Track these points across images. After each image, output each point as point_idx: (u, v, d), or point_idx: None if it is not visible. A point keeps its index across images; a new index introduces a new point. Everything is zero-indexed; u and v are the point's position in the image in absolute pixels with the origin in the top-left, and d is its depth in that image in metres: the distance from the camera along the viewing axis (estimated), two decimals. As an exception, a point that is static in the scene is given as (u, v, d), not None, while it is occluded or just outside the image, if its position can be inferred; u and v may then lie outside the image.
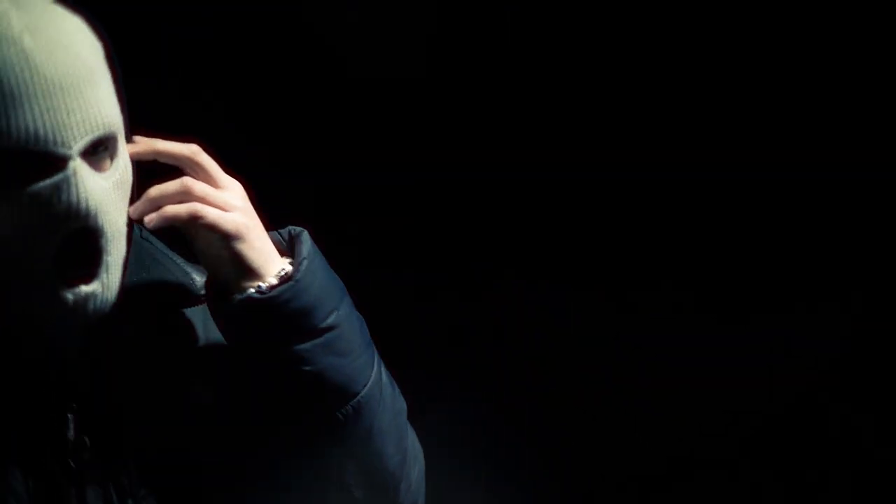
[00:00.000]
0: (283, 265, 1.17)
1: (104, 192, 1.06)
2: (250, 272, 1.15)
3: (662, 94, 2.41)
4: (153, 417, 1.15)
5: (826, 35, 2.36)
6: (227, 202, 1.14)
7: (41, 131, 1.01)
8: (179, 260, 1.23)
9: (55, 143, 1.01)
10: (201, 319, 1.22)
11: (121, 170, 1.09)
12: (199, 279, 1.21)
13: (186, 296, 1.20)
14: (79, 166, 1.03)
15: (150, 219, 1.11)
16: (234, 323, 1.16)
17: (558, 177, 2.40)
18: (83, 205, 1.03)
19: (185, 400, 1.17)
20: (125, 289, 1.11)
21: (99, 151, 1.06)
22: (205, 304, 1.19)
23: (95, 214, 1.04)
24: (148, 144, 1.14)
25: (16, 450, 1.08)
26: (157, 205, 1.11)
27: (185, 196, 1.11)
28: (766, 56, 2.40)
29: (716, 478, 2.42)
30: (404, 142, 2.40)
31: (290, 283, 1.15)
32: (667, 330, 2.38)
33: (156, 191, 1.11)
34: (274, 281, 1.15)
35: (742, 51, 2.40)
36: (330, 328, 1.19)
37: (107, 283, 1.08)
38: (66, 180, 1.02)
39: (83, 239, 1.05)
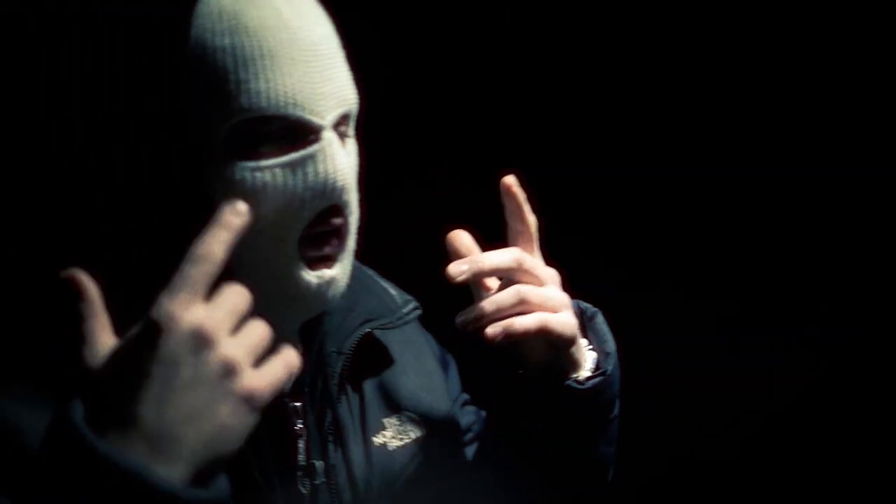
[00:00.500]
0: (592, 355, 1.18)
1: (350, 170, 1.01)
2: (572, 365, 1.15)
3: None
4: (368, 441, 1.13)
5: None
6: (559, 303, 1.12)
7: (299, 97, 0.96)
8: (372, 272, 1.20)
9: (312, 111, 0.97)
10: (398, 341, 1.20)
11: (354, 153, 1.04)
12: (396, 295, 1.19)
13: (391, 314, 1.17)
14: (332, 138, 0.98)
15: (495, 334, 1.07)
16: (542, 407, 1.14)
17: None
18: (338, 179, 0.97)
19: (399, 424, 1.16)
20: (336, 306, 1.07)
21: (342, 128, 1.02)
22: (405, 326, 1.18)
23: (344, 191, 0.99)
24: (473, 265, 1.07)
25: (250, 474, 1.03)
26: (495, 318, 1.07)
27: (525, 306, 1.08)
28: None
29: (716, 478, 2.42)
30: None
31: (603, 377, 1.15)
32: (666, 329, 2.38)
33: (491, 304, 1.07)
34: (587, 373, 1.16)
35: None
36: (616, 417, 1.21)
37: (346, 271, 1.04)
38: (322, 150, 0.97)
39: (332, 218, 1.00)
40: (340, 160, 0.98)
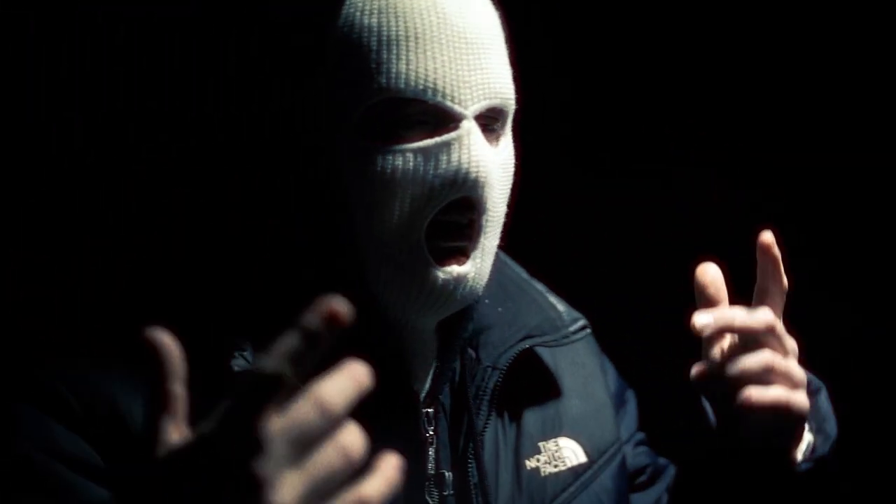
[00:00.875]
0: (809, 436, 1.13)
1: (494, 165, 0.96)
2: (790, 443, 1.10)
3: None
4: (520, 463, 1.08)
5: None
6: (799, 379, 1.07)
7: (440, 82, 0.92)
8: (541, 287, 1.14)
9: (453, 98, 0.93)
10: (568, 363, 1.14)
11: (507, 152, 1.00)
12: (564, 312, 1.12)
13: (555, 332, 1.10)
14: (473, 128, 0.94)
15: (748, 398, 1.02)
16: (748, 478, 1.10)
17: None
18: (472, 171, 0.93)
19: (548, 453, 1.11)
20: (490, 315, 1.04)
21: (491, 123, 0.98)
22: (576, 348, 1.11)
23: (483, 185, 0.94)
24: (722, 322, 1.04)
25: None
26: (734, 380, 1.02)
27: (768, 376, 1.04)
28: None
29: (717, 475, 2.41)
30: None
31: (820, 462, 1.11)
32: (666, 330, 2.38)
33: (735, 368, 1.04)
34: (803, 453, 1.11)
35: None
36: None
37: (479, 270, 0.98)
38: (459, 140, 0.93)
39: (464, 211, 0.95)
40: (478, 152, 0.94)
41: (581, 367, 1.18)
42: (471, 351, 1.07)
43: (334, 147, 0.94)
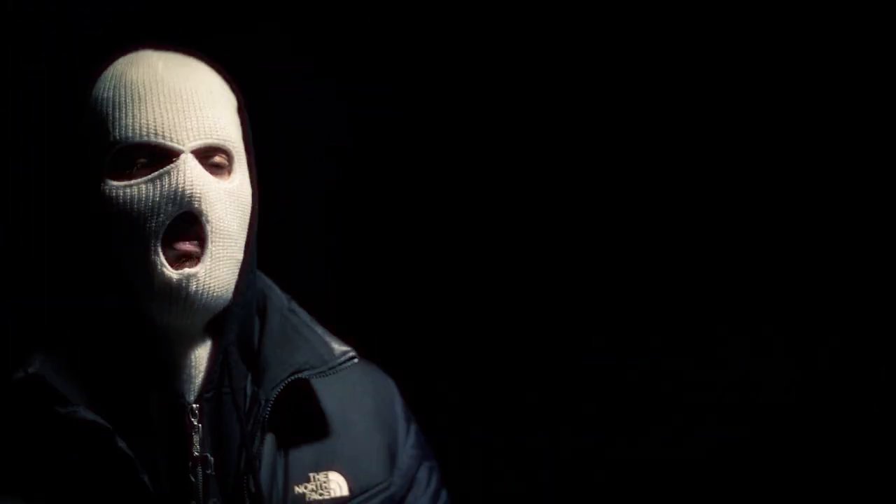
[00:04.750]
0: None
1: (213, 188, 1.20)
2: None
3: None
4: (289, 487, 1.26)
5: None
6: None
7: (160, 128, 1.19)
8: (320, 330, 1.33)
9: (171, 139, 1.20)
10: (323, 390, 1.31)
11: (236, 183, 1.24)
12: (337, 348, 1.31)
13: (322, 364, 1.29)
14: (188, 159, 1.20)
15: None
16: None
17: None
18: (188, 189, 1.18)
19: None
20: (263, 353, 1.26)
21: (214, 159, 1.23)
22: (337, 373, 1.29)
23: (199, 201, 1.19)
24: None
25: (145, 462, 1.17)
26: None
27: None
28: None
29: (716, 475, 2.42)
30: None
31: None
32: (665, 330, 2.38)
33: None
34: None
35: None
36: None
37: (210, 271, 1.20)
38: (176, 168, 1.19)
39: (188, 223, 1.19)
40: (192, 175, 1.18)
41: (360, 403, 1.36)
42: (253, 386, 1.27)
43: (88, 188, 1.22)
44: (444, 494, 1.45)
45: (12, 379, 1.18)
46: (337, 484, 1.30)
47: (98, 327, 1.23)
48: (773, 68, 2.40)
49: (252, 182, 1.29)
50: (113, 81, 1.25)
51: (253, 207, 1.28)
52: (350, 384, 1.36)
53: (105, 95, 1.24)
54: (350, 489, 1.31)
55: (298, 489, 1.27)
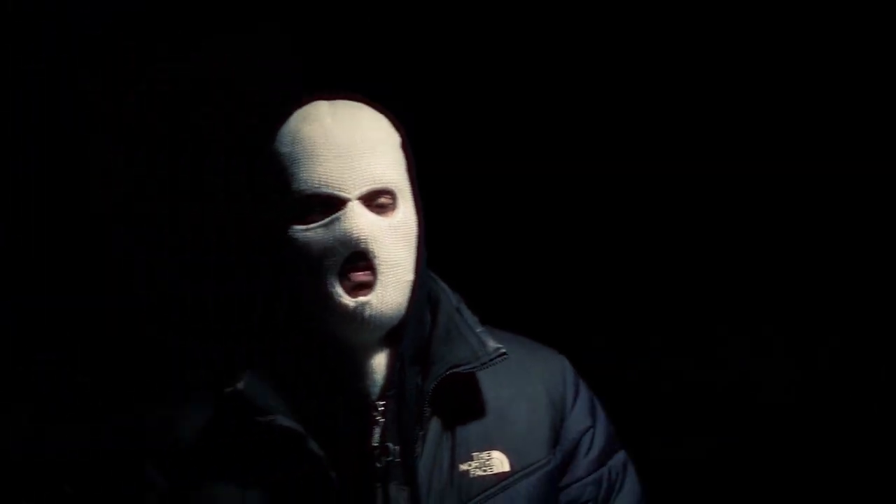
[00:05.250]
0: None
1: (378, 227, 1.39)
2: None
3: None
4: (455, 465, 1.42)
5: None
6: None
7: (329, 179, 1.38)
8: (479, 329, 1.48)
9: (339, 188, 1.38)
10: (488, 379, 1.46)
11: (400, 216, 1.42)
12: (490, 346, 1.45)
13: (476, 360, 1.43)
14: (355, 205, 1.38)
15: None
16: None
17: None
18: (355, 232, 1.37)
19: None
20: (431, 351, 1.43)
21: (379, 200, 1.40)
22: (490, 368, 1.43)
23: (366, 241, 1.38)
24: None
25: (333, 458, 1.36)
26: None
27: None
28: None
29: (716, 475, 2.42)
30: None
31: None
32: (665, 330, 2.38)
33: None
34: None
35: None
36: None
37: (381, 298, 1.39)
38: (345, 214, 1.37)
39: (360, 258, 1.38)
40: (358, 221, 1.38)
41: (526, 394, 1.48)
42: (419, 379, 1.43)
43: (274, 231, 1.43)
44: (619, 456, 1.58)
45: (223, 393, 1.39)
46: (499, 461, 1.43)
47: (293, 346, 1.43)
48: (774, 68, 2.40)
49: (417, 208, 1.46)
50: (290, 137, 1.42)
51: (419, 231, 1.45)
52: (516, 369, 1.48)
53: (283, 151, 1.42)
54: (511, 465, 1.43)
55: (463, 466, 1.41)
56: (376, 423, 1.39)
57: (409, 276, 1.42)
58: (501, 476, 1.42)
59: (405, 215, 1.43)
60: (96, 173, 2.29)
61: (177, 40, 2.31)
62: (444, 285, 1.52)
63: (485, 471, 1.41)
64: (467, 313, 1.50)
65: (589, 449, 1.52)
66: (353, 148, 1.40)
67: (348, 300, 1.37)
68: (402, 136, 1.47)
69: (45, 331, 2.24)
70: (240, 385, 1.39)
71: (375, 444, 1.38)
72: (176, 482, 1.41)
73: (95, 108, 2.29)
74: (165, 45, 2.31)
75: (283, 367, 1.42)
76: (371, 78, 2.25)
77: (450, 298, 1.50)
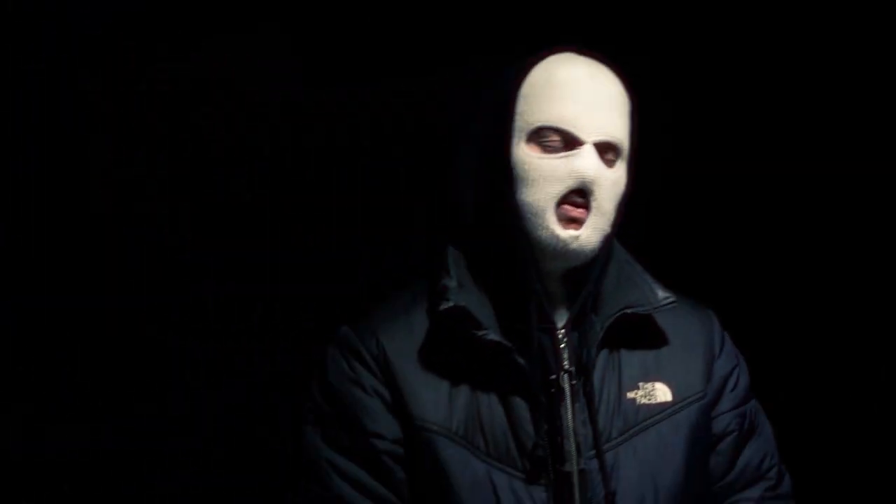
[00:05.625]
0: None
1: (603, 174, 1.53)
2: None
3: None
4: (622, 392, 1.56)
5: None
6: None
7: (575, 120, 1.52)
8: (649, 279, 1.63)
9: (581, 130, 1.52)
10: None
11: (619, 174, 1.56)
12: (660, 293, 1.60)
13: (647, 304, 1.59)
14: (590, 148, 1.52)
15: None
16: None
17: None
18: (586, 171, 1.51)
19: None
20: (604, 292, 1.58)
21: (607, 152, 1.54)
22: (658, 312, 1.60)
23: (592, 182, 1.51)
24: None
25: (516, 376, 1.51)
26: None
27: None
28: None
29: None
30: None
31: None
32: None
33: None
34: None
35: None
36: None
37: (587, 236, 1.53)
38: (581, 153, 1.52)
39: (580, 196, 1.51)
40: (591, 162, 1.51)
41: (685, 336, 1.64)
42: (592, 316, 1.58)
43: (508, 150, 1.56)
44: (754, 402, 1.70)
45: (439, 308, 1.52)
46: (662, 392, 1.58)
47: (494, 268, 1.56)
48: (774, 68, 2.41)
49: (628, 173, 1.58)
50: (546, 74, 1.56)
51: (624, 193, 1.57)
52: (676, 315, 1.63)
53: (538, 82, 1.55)
54: (673, 396, 1.58)
55: (630, 395, 1.56)
56: (561, 348, 1.55)
57: (608, 226, 1.56)
58: (664, 405, 1.57)
59: (621, 175, 1.57)
60: (96, 173, 2.29)
61: (177, 40, 2.31)
62: (616, 243, 1.66)
63: (649, 399, 1.57)
64: (637, 264, 1.65)
65: (735, 386, 1.67)
66: (599, 100, 1.54)
67: (560, 230, 1.52)
68: (633, 104, 1.59)
69: (45, 331, 2.24)
70: (458, 302, 1.51)
71: (565, 367, 1.53)
72: (387, 381, 1.54)
73: (95, 108, 2.29)
74: (165, 45, 2.31)
75: (486, 287, 1.56)
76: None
77: (621, 251, 1.65)
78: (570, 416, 1.52)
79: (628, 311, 1.58)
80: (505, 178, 1.55)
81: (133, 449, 2.30)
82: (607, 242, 1.58)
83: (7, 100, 2.18)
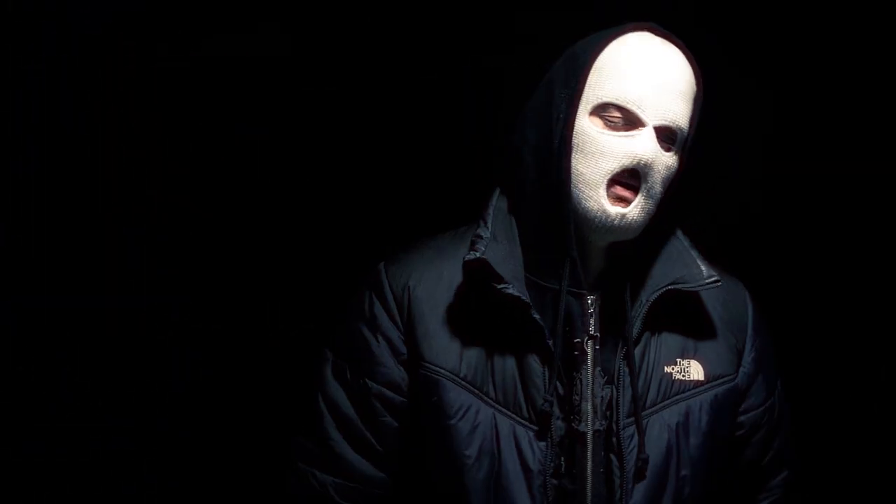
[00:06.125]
0: None
1: (658, 158, 1.55)
2: None
3: None
4: (660, 366, 1.62)
5: None
6: None
7: (640, 100, 1.54)
8: (697, 257, 1.66)
9: (644, 111, 1.54)
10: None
11: (674, 159, 1.58)
12: (706, 272, 1.63)
13: (693, 282, 1.62)
14: (650, 131, 1.54)
15: None
16: None
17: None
18: (643, 154, 1.53)
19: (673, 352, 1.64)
20: (653, 267, 1.63)
21: (665, 137, 1.56)
22: (703, 290, 1.63)
23: (646, 165, 1.54)
24: None
25: (551, 331, 1.56)
26: None
27: None
28: None
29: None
30: None
31: None
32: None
33: None
34: None
35: None
36: None
37: (634, 216, 1.56)
38: (641, 134, 1.54)
39: (631, 176, 1.54)
40: (649, 145, 1.53)
41: (724, 318, 1.68)
42: (640, 290, 1.62)
43: (571, 117, 1.57)
44: (779, 384, 1.77)
45: (466, 259, 1.56)
46: (696, 370, 1.63)
47: (536, 226, 1.60)
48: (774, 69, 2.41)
49: (682, 160, 1.60)
50: (624, 51, 1.57)
51: (675, 179, 1.60)
52: (717, 294, 1.68)
53: (612, 57, 1.57)
54: (706, 375, 1.64)
55: (667, 369, 1.62)
56: (589, 313, 1.59)
57: (655, 208, 1.59)
58: (697, 383, 1.63)
59: (675, 161, 1.59)
60: (96, 173, 2.29)
61: (177, 40, 2.32)
62: (678, 229, 1.71)
63: (684, 376, 1.63)
64: (686, 240, 1.69)
65: (766, 377, 1.73)
66: (668, 84, 1.55)
67: (608, 206, 1.55)
68: (699, 92, 1.61)
69: (45, 331, 2.24)
70: (483, 254, 1.55)
71: (590, 332, 1.58)
72: (404, 322, 1.60)
73: (95, 108, 2.29)
74: (165, 45, 2.31)
75: (527, 244, 1.60)
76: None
77: (682, 237, 1.70)
78: (590, 379, 1.57)
79: (674, 286, 1.62)
80: (564, 143, 1.56)
81: (133, 449, 2.31)
82: (653, 222, 1.60)
83: (7, 100, 2.19)
